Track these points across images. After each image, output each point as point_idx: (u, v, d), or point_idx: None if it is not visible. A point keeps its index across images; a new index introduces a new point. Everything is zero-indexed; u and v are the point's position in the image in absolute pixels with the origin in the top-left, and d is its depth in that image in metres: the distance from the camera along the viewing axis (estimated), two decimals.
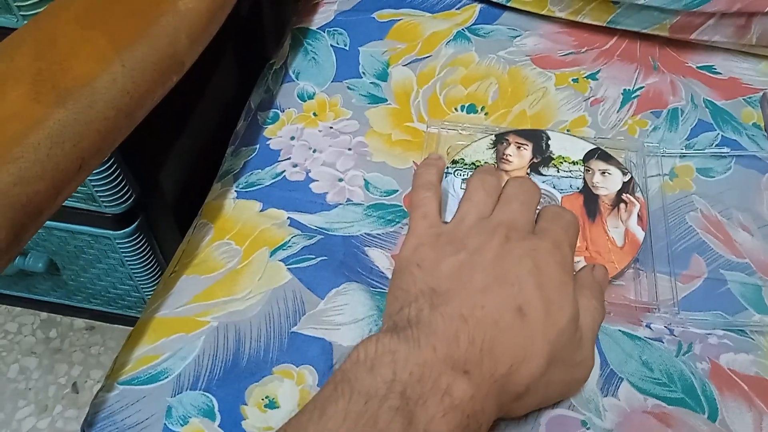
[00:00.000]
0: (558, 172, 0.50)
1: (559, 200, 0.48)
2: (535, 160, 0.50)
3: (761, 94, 0.56)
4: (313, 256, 0.46)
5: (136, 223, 0.75)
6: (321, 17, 0.63)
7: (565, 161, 0.50)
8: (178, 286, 0.45)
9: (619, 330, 0.44)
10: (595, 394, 0.41)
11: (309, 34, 0.61)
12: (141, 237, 0.76)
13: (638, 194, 0.48)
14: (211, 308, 0.44)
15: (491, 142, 0.52)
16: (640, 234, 0.46)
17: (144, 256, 0.78)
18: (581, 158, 0.50)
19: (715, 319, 0.44)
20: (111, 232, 0.75)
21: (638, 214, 0.47)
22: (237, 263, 0.46)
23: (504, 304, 0.33)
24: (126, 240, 0.76)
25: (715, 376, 0.41)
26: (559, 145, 0.51)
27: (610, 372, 0.42)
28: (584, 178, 0.49)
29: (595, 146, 0.51)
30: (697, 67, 0.58)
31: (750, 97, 0.56)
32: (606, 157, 0.50)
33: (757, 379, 0.41)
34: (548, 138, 0.52)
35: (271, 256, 0.46)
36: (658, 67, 0.58)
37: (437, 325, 0.32)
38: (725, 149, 0.52)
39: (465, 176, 0.49)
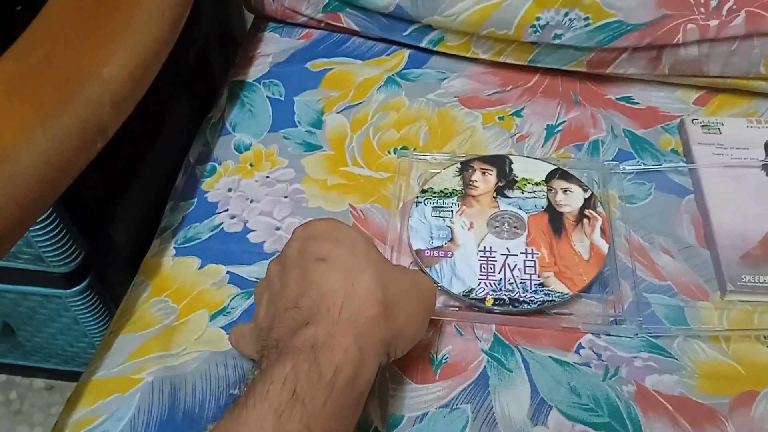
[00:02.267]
0: (522, 193, 0.52)
1: (526, 220, 0.50)
2: (500, 184, 0.53)
3: (679, 120, 0.59)
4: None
5: (86, 280, 0.75)
6: (257, 69, 0.64)
7: (529, 183, 0.53)
8: (115, 346, 0.46)
9: (550, 356, 0.45)
10: (526, 424, 0.42)
11: (245, 86, 0.63)
12: (92, 294, 0.76)
13: (600, 209, 0.51)
14: (145, 364, 0.44)
15: (457, 170, 0.54)
16: (604, 246, 0.49)
17: (96, 312, 0.78)
18: (543, 179, 0.53)
19: (640, 342, 0.46)
20: (61, 291, 0.75)
21: (601, 228, 0.50)
22: (173, 320, 0.47)
23: (308, 267, 0.37)
24: (77, 298, 0.75)
25: (640, 399, 0.43)
26: (521, 167, 0.54)
27: (540, 400, 0.43)
28: (548, 198, 0.52)
29: (555, 167, 0.53)
30: (617, 99, 0.61)
31: (668, 125, 0.59)
32: (566, 176, 0.53)
33: (681, 398, 0.43)
34: (511, 162, 0.54)
35: (210, 321, 0.47)
36: (580, 101, 0.61)
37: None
38: (668, 164, 0.55)
39: (434, 204, 0.52)
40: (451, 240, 0.50)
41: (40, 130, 0.39)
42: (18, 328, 0.85)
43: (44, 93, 0.41)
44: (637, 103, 0.61)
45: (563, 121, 0.59)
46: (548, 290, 0.47)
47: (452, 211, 0.51)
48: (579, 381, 0.44)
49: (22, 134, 0.38)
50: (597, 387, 0.43)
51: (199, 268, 0.50)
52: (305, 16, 0.65)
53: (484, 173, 0.54)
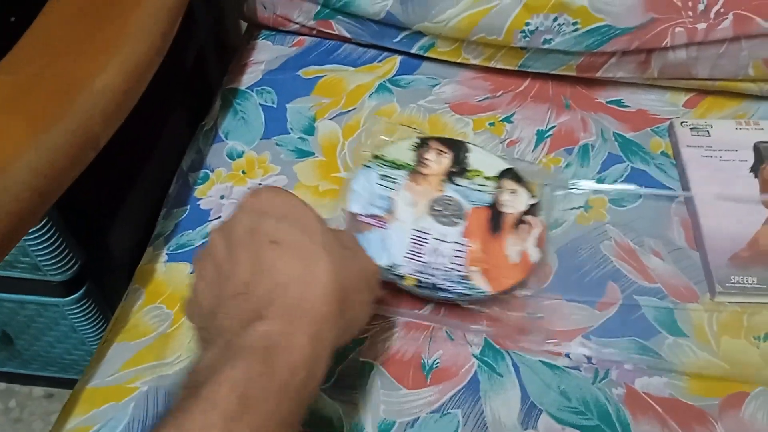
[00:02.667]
0: (471, 184, 0.52)
1: (468, 211, 0.50)
2: (452, 169, 0.53)
3: (669, 123, 0.59)
4: None
5: (83, 288, 0.75)
6: (249, 77, 0.65)
7: (480, 175, 0.53)
8: (109, 355, 0.46)
9: (540, 360, 0.45)
10: (516, 428, 0.42)
11: (238, 94, 0.64)
12: (89, 302, 0.76)
13: (541, 218, 0.51)
14: (140, 373, 0.45)
15: (414, 144, 0.54)
16: (536, 255, 0.48)
17: (94, 320, 0.78)
18: (496, 175, 0.53)
19: (630, 344, 0.46)
20: (59, 299, 0.75)
21: (538, 236, 0.49)
22: (168, 327, 0.47)
23: (260, 251, 0.35)
24: (75, 306, 0.76)
25: (629, 401, 0.43)
26: (477, 159, 0.54)
27: (530, 404, 0.43)
28: (495, 195, 0.51)
29: (510, 167, 0.53)
30: (607, 102, 0.61)
31: (658, 127, 0.59)
32: (518, 179, 0.53)
33: (670, 400, 0.43)
34: (468, 150, 0.54)
35: None
36: (570, 105, 0.61)
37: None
38: (632, 186, 0.55)
39: (383, 172, 0.52)
40: (389, 212, 0.50)
41: (32, 143, 0.39)
42: (16, 336, 0.86)
43: (37, 106, 0.41)
44: (627, 107, 0.61)
45: (553, 126, 0.59)
46: (470, 284, 0.46)
47: (398, 183, 0.51)
48: (569, 384, 0.44)
49: (15, 147, 0.39)
50: (587, 390, 0.44)
51: (191, 272, 0.51)
52: (297, 23, 0.66)
53: (439, 154, 0.53)
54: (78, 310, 0.77)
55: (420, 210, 0.50)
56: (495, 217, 0.50)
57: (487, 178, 0.52)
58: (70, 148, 0.41)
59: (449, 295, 0.46)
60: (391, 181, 0.51)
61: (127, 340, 0.47)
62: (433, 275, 0.46)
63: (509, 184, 0.52)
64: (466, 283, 0.46)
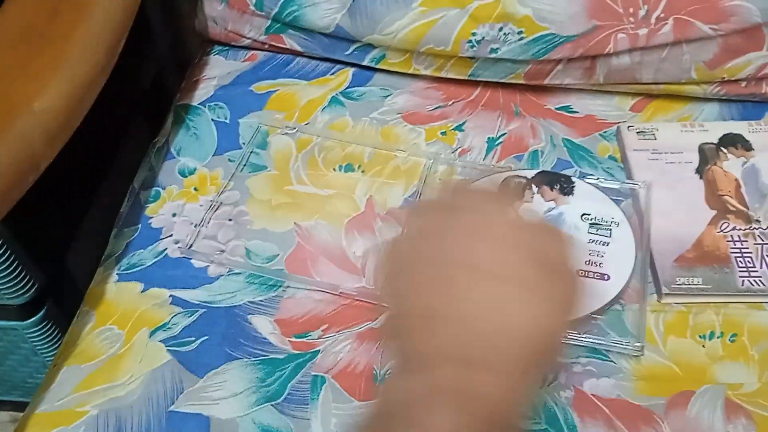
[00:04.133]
0: None
1: None
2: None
3: (616, 127, 0.60)
4: (193, 338, 0.47)
5: (42, 311, 0.74)
6: (202, 92, 0.65)
7: None
8: (59, 379, 0.46)
9: None
10: None
11: (190, 110, 0.64)
12: (49, 324, 0.75)
13: None
14: (90, 397, 0.44)
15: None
16: None
17: (55, 343, 0.77)
18: None
19: (579, 347, 0.46)
20: (17, 322, 0.74)
21: None
22: (119, 348, 0.47)
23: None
24: (34, 329, 0.75)
25: (578, 404, 0.44)
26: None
27: None
28: None
29: None
30: (556, 108, 0.62)
31: (605, 132, 0.60)
32: None
33: (618, 401, 0.44)
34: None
35: (150, 337, 0.47)
36: (520, 112, 0.62)
37: None
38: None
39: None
40: None
41: None
42: None
43: None
44: (576, 112, 0.62)
45: (504, 133, 0.60)
46: None
47: None
48: None
49: None
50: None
51: (142, 291, 0.50)
52: (249, 38, 0.66)
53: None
54: (38, 333, 0.75)
55: None
56: None
57: None
58: (10, 172, 0.41)
59: None
60: None
61: (77, 364, 0.46)
62: None
63: None
64: None
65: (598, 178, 0.55)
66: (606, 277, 0.49)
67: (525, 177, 0.55)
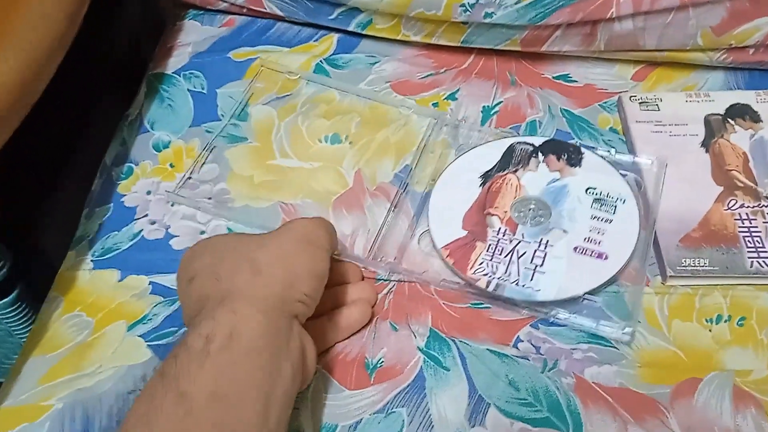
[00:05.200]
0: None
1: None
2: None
3: (617, 98, 0.57)
4: (176, 328, 0.44)
5: (14, 292, 0.71)
6: (176, 60, 0.61)
7: None
8: (24, 371, 0.43)
9: (487, 349, 0.43)
10: (463, 425, 0.40)
11: (165, 79, 0.59)
12: (22, 306, 0.72)
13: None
14: (55, 389, 0.41)
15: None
16: None
17: (29, 324, 0.74)
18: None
19: (580, 333, 0.44)
20: None
21: None
22: (87, 336, 0.44)
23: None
24: (7, 311, 0.71)
25: (580, 390, 0.41)
26: None
27: (478, 398, 0.41)
28: None
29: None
30: (553, 77, 0.59)
31: (605, 102, 0.57)
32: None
33: (620, 390, 0.42)
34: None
35: (128, 331, 0.44)
36: (516, 81, 0.58)
37: None
38: None
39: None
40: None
41: None
42: None
43: None
44: (575, 81, 0.59)
45: (500, 102, 0.57)
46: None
47: None
48: (517, 373, 0.42)
49: None
50: (536, 379, 0.42)
51: (119, 281, 0.47)
52: (226, 1, 0.62)
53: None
54: (11, 314, 0.72)
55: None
56: None
57: None
58: None
59: None
60: None
61: (43, 354, 0.43)
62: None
63: None
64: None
65: (609, 150, 0.52)
66: (604, 256, 0.46)
67: (532, 144, 0.52)
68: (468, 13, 0.55)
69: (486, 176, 0.50)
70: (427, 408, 0.41)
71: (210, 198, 0.51)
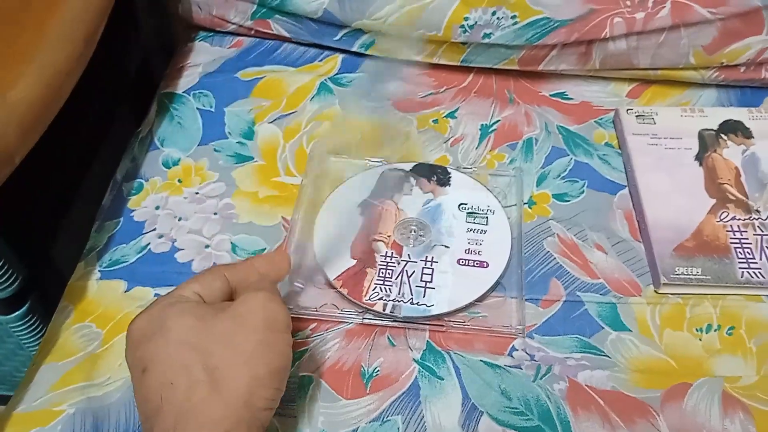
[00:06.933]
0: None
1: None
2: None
3: (614, 111, 0.59)
4: None
5: (26, 305, 0.72)
6: (186, 80, 0.63)
7: None
8: (37, 378, 0.44)
9: (481, 360, 0.44)
10: (456, 431, 0.41)
11: (175, 98, 0.62)
12: (34, 318, 0.73)
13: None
14: (67, 395, 0.43)
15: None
16: None
17: (40, 336, 0.75)
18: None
19: (573, 342, 0.45)
20: (2, 316, 0.72)
21: None
22: (97, 346, 0.45)
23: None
24: (19, 323, 0.73)
25: (571, 396, 0.42)
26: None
27: (471, 406, 0.42)
28: None
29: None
30: (550, 95, 0.60)
31: (601, 119, 0.59)
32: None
33: (613, 393, 0.43)
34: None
35: None
36: (514, 99, 0.60)
37: None
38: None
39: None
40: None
41: None
42: None
43: None
44: (571, 99, 0.60)
45: (497, 120, 0.58)
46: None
47: None
48: (509, 384, 0.43)
49: None
50: (527, 389, 0.43)
51: (126, 291, 0.49)
52: (234, 23, 0.64)
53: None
54: (23, 326, 0.74)
55: None
56: None
57: None
58: None
59: None
60: None
61: (54, 361, 0.45)
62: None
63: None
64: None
65: (472, 169, 0.55)
66: (485, 264, 0.48)
67: (402, 170, 0.54)
68: (467, 33, 0.57)
69: (364, 204, 0.52)
70: (421, 415, 0.42)
71: (216, 213, 0.53)
